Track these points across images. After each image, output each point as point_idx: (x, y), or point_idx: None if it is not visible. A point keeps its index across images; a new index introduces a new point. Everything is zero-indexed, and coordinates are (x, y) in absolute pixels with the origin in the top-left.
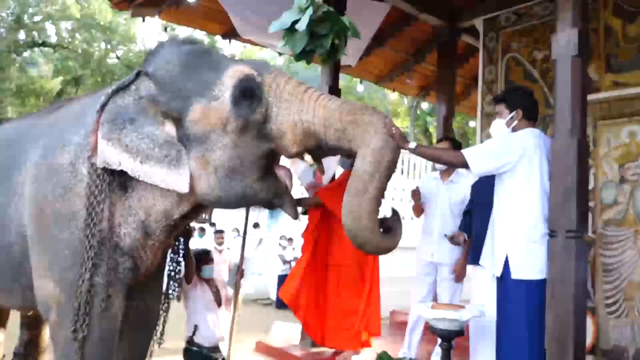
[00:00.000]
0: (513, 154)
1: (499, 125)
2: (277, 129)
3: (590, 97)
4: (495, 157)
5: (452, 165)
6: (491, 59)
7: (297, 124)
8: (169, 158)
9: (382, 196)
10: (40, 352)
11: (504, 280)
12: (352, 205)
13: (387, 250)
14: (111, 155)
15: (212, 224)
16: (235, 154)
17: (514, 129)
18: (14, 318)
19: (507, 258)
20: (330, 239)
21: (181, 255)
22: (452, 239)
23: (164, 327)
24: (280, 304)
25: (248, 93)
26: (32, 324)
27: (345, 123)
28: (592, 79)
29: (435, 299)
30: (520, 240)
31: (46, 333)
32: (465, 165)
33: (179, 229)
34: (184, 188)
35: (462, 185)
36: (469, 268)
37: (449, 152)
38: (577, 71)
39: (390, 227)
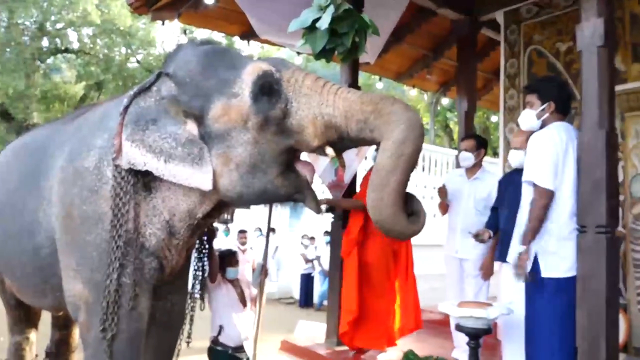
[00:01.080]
0: (557, 145)
1: (528, 116)
2: (298, 124)
3: (617, 88)
4: (550, 158)
5: (546, 205)
6: (513, 52)
7: (318, 117)
8: (191, 156)
9: (405, 187)
10: (71, 351)
11: (534, 279)
12: (375, 199)
13: (415, 233)
14: (135, 156)
15: (225, 222)
16: (256, 150)
17: (544, 122)
18: (45, 318)
19: (536, 255)
20: (366, 238)
21: (205, 254)
22: (477, 237)
23: (191, 326)
24: (303, 303)
25: (267, 89)
26: (63, 324)
27: (367, 113)
28: (618, 70)
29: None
30: (550, 238)
31: (76, 333)
32: (547, 192)
33: (203, 228)
34: (208, 185)
35: (487, 182)
36: (496, 265)
37: (532, 208)
38: (603, 62)
39: (413, 211)
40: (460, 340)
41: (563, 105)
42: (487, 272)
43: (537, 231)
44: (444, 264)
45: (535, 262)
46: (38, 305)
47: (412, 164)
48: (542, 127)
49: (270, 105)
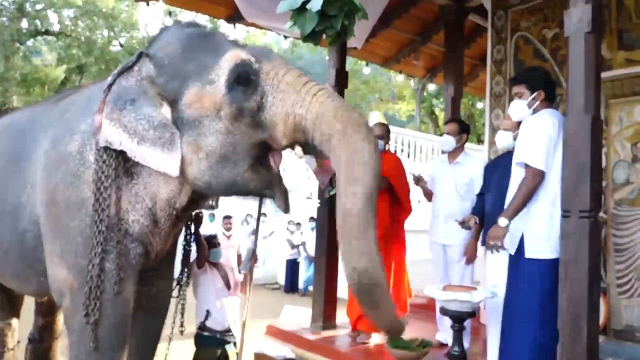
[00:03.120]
0: (550, 129)
1: (519, 106)
2: (270, 119)
3: (602, 75)
4: (543, 141)
5: (536, 185)
6: (500, 39)
7: (289, 116)
8: (162, 140)
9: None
10: (55, 337)
11: (518, 259)
12: (360, 249)
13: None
14: (112, 135)
15: (211, 208)
16: (228, 141)
17: (534, 111)
18: (27, 304)
19: (522, 236)
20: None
21: (191, 241)
22: (463, 224)
23: (183, 314)
24: (288, 289)
25: (243, 79)
26: (47, 310)
27: (334, 130)
28: (603, 57)
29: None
30: (538, 220)
31: (60, 319)
32: (540, 173)
33: (186, 218)
34: (175, 171)
35: (468, 167)
36: (481, 249)
37: (522, 185)
38: (590, 48)
39: None
40: (445, 323)
41: (550, 93)
42: (470, 257)
43: (521, 209)
44: (429, 250)
45: (521, 243)
46: (22, 290)
47: (375, 203)
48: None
49: (245, 96)
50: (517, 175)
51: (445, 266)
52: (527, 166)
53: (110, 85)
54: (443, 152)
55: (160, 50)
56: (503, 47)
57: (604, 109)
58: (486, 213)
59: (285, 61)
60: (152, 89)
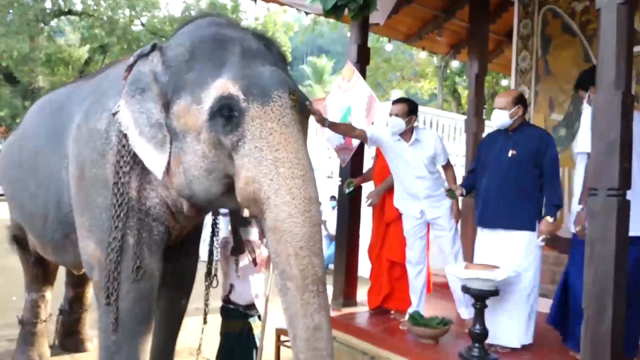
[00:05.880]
0: None
1: (586, 109)
2: (238, 167)
3: (634, 49)
4: None
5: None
6: (527, 13)
7: (253, 183)
8: (155, 140)
9: None
10: (84, 309)
11: (580, 240)
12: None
13: None
14: (124, 117)
15: None
16: (204, 165)
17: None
18: (57, 278)
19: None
20: (384, 202)
21: (218, 231)
22: (449, 191)
23: (205, 315)
24: None
25: (225, 113)
26: (76, 282)
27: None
28: (636, 30)
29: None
30: None
31: (89, 291)
32: None
33: (200, 214)
34: (159, 174)
35: (427, 141)
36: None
37: (586, 174)
38: (622, 20)
39: None
40: (462, 298)
41: None
42: (458, 215)
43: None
44: (406, 231)
45: None
46: (60, 261)
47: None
48: None
49: (224, 130)
50: (581, 163)
51: (425, 239)
52: (589, 155)
53: (131, 67)
54: (393, 134)
55: (172, 48)
56: (530, 21)
57: (635, 85)
58: (482, 192)
59: (286, 108)
60: (156, 86)
